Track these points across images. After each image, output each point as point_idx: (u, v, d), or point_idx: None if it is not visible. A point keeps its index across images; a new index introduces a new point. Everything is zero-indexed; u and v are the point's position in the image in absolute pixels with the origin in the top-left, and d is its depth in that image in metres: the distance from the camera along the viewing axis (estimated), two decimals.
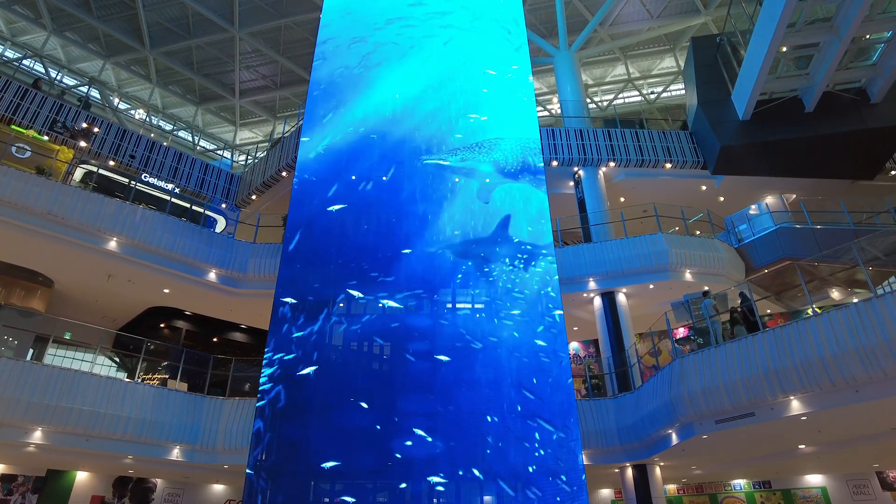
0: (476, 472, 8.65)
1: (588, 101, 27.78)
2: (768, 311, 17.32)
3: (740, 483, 17.05)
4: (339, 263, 10.50)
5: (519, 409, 9.24)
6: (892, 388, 8.04)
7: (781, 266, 14.85)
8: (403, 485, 8.56)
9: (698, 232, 17.70)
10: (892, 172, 18.75)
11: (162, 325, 16.89)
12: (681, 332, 14.87)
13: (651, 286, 15.24)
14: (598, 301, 15.80)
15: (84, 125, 16.61)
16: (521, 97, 13.28)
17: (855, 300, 10.33)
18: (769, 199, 18.84)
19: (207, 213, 17.56)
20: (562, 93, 22.09)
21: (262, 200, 19.71)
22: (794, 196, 18.84)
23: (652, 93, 30.39)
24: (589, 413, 12.93)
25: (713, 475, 16.27)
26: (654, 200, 16.64)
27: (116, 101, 29.22)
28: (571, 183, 18.88)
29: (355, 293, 10.24)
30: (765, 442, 11.28)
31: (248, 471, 8.75)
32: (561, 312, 10.10)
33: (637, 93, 30.49)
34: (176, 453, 12.19)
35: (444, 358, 9.56)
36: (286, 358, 9.62)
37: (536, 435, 9.00)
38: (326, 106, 12.72)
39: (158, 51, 26.46)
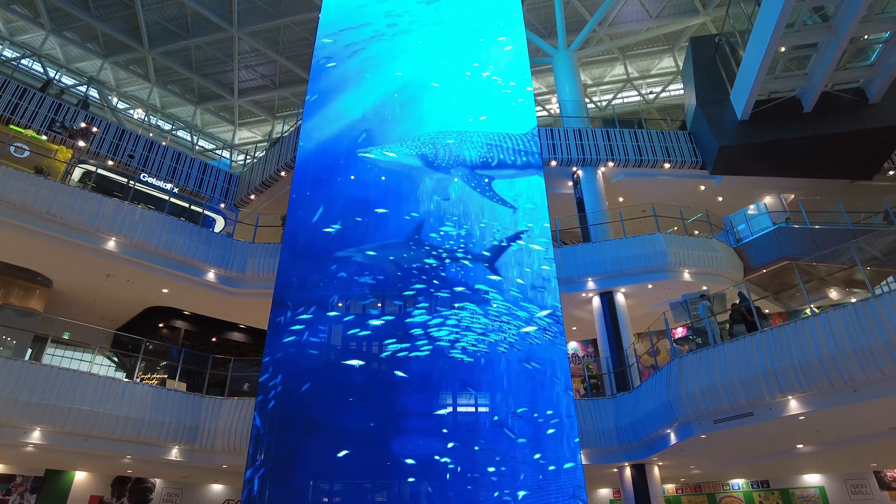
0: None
1: (587, 101, 27.79)
2: (766, 310, 17.29)
3: (738, 483, 17.08)
4: (340, 264, 10.52)
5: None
6: (889, 388, 8.05)
7: (780, 266, 14.86)
8: (400, 486, 8.57)
9: (697, 232, 17.71)
10: (890, 172, 18.78)
11: (161, 325, 16.86)
12: (679, 331, 14.87)
13: (650, 286, 15.25)
14: (596, 301, 15.81)
15: (83, 125, 16.58)
16: (515, 94, 13.32)
17: (853, 300, 10.33)
18: (767, 199, 18.84)
19: (206, 212, 17.54)
20: (560, 93, 22.09)
21: (260, 200, 19.69)
22: (793, 196, 18.86)
23: (651, 93, 30.40)
24: (587, 413, 12.93)
25: (711, 475, 16.29)
26: (652, 200, 16.66)
27: (115, 100, 29.18)
28: (570, 183, 18.90)
29: (356, 294, 10.24)
30: (763, 442, 11.30)
31: (246, 473, 8.76)
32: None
33: (636, 93, 30.49)
34: (174, 453, 12.18)
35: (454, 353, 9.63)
36: (285, 358, 9.63)
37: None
38: (325, 106, 12.75)
39: (157, 50, 26.43)
